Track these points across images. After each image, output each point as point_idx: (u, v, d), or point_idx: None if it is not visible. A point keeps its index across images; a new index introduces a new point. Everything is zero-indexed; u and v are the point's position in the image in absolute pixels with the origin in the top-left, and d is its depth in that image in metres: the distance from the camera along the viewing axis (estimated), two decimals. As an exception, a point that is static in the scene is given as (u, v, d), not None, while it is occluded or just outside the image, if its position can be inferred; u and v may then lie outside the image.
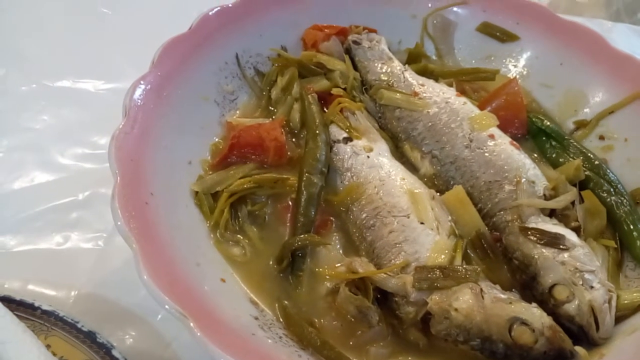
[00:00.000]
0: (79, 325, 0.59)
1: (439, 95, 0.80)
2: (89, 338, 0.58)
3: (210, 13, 0.80)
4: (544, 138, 0.79)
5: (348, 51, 0.88)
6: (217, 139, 0.77)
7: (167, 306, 0.50)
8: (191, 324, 0.49)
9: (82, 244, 0.78)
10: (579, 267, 0.59)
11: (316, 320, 0.60)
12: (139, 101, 0.67)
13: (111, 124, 0.65)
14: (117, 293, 0.71)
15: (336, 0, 0.91)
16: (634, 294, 0.60)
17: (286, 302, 0.61)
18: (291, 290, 0.63)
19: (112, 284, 0.72)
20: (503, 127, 0.77)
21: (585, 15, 2.27)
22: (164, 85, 0.72)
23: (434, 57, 0.93)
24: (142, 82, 0.69)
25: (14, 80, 0.99)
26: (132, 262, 0.62)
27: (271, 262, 0.65)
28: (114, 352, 0.57)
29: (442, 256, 0.61)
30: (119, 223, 0.55)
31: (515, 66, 0.89)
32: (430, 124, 0.77)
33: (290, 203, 0.70)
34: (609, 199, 0.70)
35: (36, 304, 0.60)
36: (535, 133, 0.80)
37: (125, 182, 0.59)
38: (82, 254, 0.77)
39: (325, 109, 0.80)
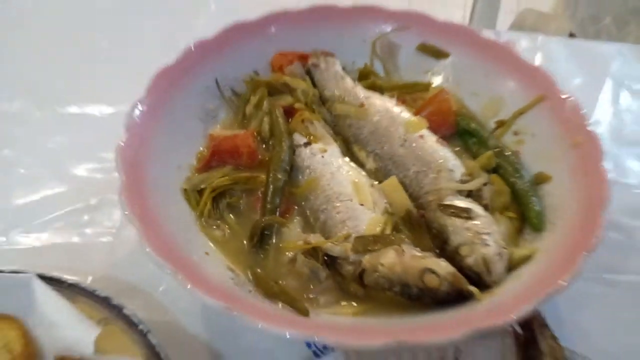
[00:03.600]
0: (96, 293, 0.76)
1: (382, 105, 0.96)
2: (105, 302, 0.74)
3: (191, 47, 0.95)
4: (468, 136, 0.96)
5: (308, 72, 1.03)
6: (201, 148, 0.92)
7: (166, 270, 0.66)
8: (183, 279, 0.65)
9: (95, 238, 0.93)
10: (479, 230, 0.75)
11: (280, 281, 0.76)
12: (137, 119, 0.82)
13: (115, 141, 0.77)
14: (125, 274, 0.86)
15: (298, 32, 1.05)
16: (523, 251, 0.77)
17: (257, 269, 0.78)
18: (260, 260, 0.78)
19: (121, 267, 0.88)
20: (435, 128, 0.92)
21: (551, 26, 2.49)
22: (157, 106, 0.86)
23: (382, 74, 1.09)
24: (138, 104, 0.84)
25: (29, 109, 1.16)
26: (137, 250, 0.81)
27: (245, 242, 0.81)
28: (125, 311, 0.74)
29: (377, 228, 0.77)
30: (126, 212, 0.71)
31: (447, 79, 1.05)
32: (373, 129, 0.93)
33: (260, 195, 0.86)
34: (513, 181, 0.86)
35: (63, 279, 0.77)
36: (461, 132, 0.96)
37: (129, 182, 0.75)
38: (96, 246, 0.92)
39: (289, 120, 0.96)
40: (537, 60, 1.33)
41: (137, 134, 0.82)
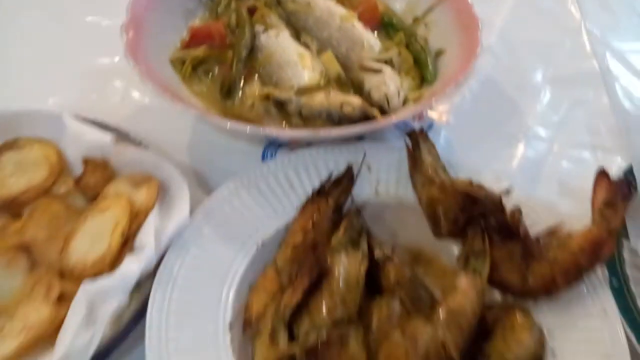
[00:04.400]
0: (109, 124, 1.04)
1: (324, 4, 1.23)
2: (116, 129, 1.02)
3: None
4: (390, 27, 1.26)
5: (267, -17, 1.32)
6: (184, 34, 1.19)
7: (164, 97, 0.94)
8: (175, 102, 0.94)
9: (103, 106, 1.19)
10: (385, 80, 1.05)
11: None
12: (135, 9, 1.11)
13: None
14: (128, 125, 1.14)
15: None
16: (416, 94, 1.07)
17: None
18: (229, 105, 1.07)
19: (132, 113, 1.17)
20: (365, 22, 1.20)
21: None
22: (150, 7, 1.13)
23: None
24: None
25: (53, 18, 1.43)
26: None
27: (218, 94, 1.10)
28: (131, 135, 1.03)
29: (314, 82, 1.08)
30: (130, 63, 1.00)
31: (376, -13, 1.34)
32: (316, 20, 1.20)
33: (229, 65, 1.15)
34: (417, 53, 1.16)
35: (85, 117, 1.05)
36: (385, 25, 1.25)
37: (130, 44, 1.04)
38: (104, 111, 1.13)
39: (252, 16, 1.24)
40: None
41: (135, 18, 1.09)
